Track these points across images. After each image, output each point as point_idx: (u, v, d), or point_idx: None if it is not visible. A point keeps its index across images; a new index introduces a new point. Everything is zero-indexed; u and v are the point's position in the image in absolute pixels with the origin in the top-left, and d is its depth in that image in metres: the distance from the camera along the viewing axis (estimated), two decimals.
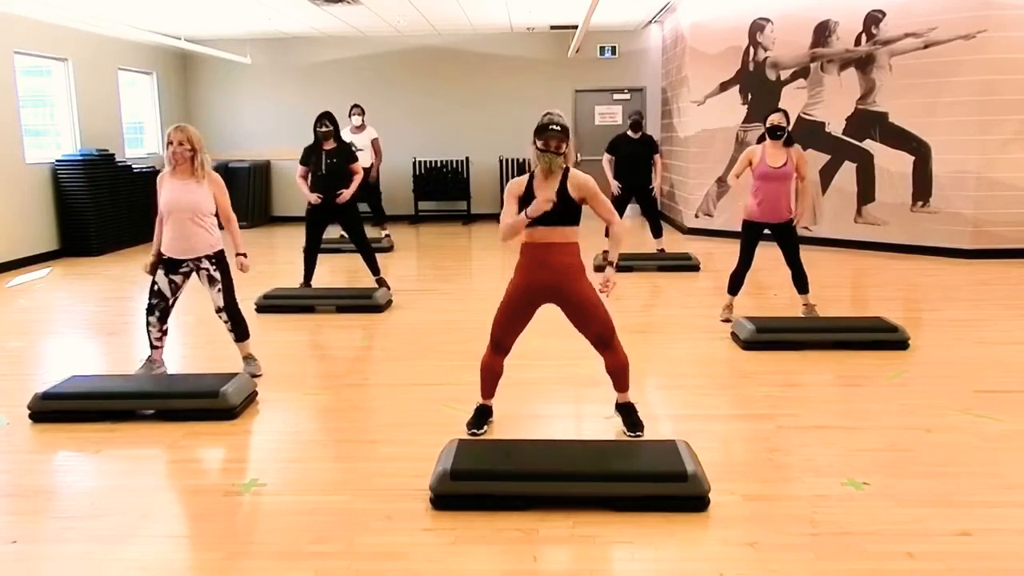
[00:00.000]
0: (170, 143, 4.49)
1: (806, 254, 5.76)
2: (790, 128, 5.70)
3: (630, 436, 3.74)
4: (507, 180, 12.79)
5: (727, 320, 5.81)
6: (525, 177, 3.67)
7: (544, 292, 3.65)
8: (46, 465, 3.75)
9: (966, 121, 8.35)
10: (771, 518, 3.03)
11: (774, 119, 5.64)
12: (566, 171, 3.58)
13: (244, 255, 4.75)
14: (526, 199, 3.58)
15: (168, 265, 4.61)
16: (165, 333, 4.75)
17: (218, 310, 4.71)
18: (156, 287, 4.64)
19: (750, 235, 5.79)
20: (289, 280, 7.36)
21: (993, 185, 8.34)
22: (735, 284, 5.90)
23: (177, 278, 4.64)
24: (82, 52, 10.35)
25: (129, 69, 11.60)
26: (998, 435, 3.80)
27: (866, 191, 9.15)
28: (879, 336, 5.25)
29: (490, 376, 3.84)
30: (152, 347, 4.75)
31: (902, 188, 8.87)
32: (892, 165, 8.90)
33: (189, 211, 4.50)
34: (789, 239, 5.71)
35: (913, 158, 8.75)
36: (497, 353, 3.79)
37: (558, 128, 3.52)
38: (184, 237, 4.55)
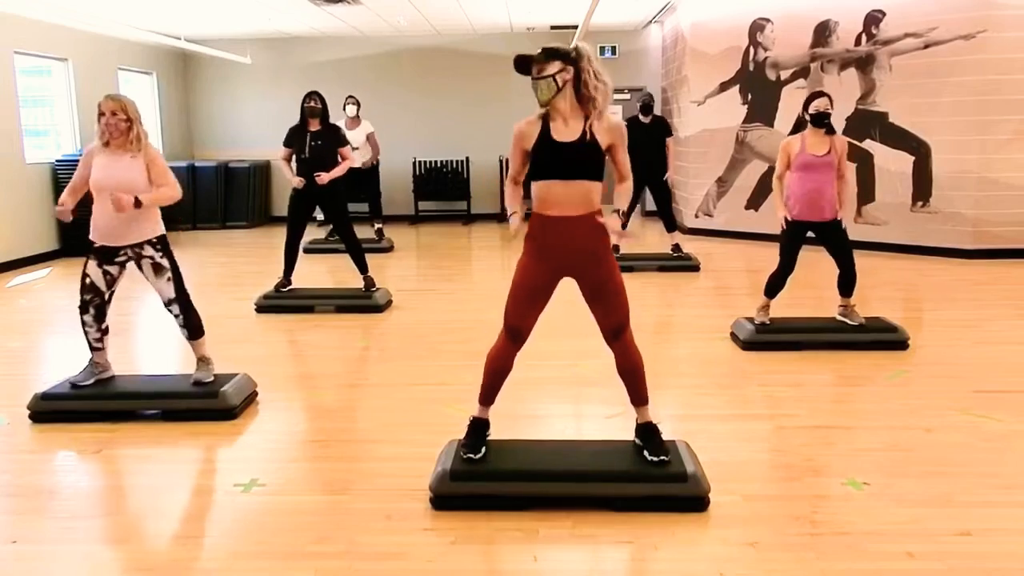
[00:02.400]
0: (101, 114, 3.97)
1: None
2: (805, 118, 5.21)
3: (653, 460, 3.21)
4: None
5: (763, 323, 5.36)
6: (537, 120, 3.08)
7: (562, 271, 3.15)
8: (46, 465, 3.75)
9: (966, 121, 8.35)
10: (771, 518, 3.03)
11: (819, 104, 5.01)
12: (587, 118, 3.04)
13: (137, 201, 3.95)
14: (540, 148, 3.03)
15: (102, 255, 4.10)
16: (105, 332, 4.30)
17: (168, 303, 4.20)
18: (88, 280, 4.13)
19: (791, 236, 5.23)
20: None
21: (993, 185, 8.34)
22: (773, 288, 5.36)
23: (112, 269, 4.13)
24: (82, 52, 10.35)
25: (129, 69, 11.60)
26: (998, 435, 3.80)
27: (866, 191, 9.15)
28: (879, 336, 5.25)
29: (497, 373, 3.23)
30: (92, 349, 4.32)
31: (902, 188, 8.87)
32: (892, 165, 8.90)
33: (125, 191, 3.95)
34: (837, 238, 5.22)
35: (913, 158, 8.75)
36: (512, 342, 3.17)
37: (541, 53, 3.02)
38: (121, 222, 4.01)
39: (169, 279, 4.18)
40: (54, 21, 9.61)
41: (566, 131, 3.03)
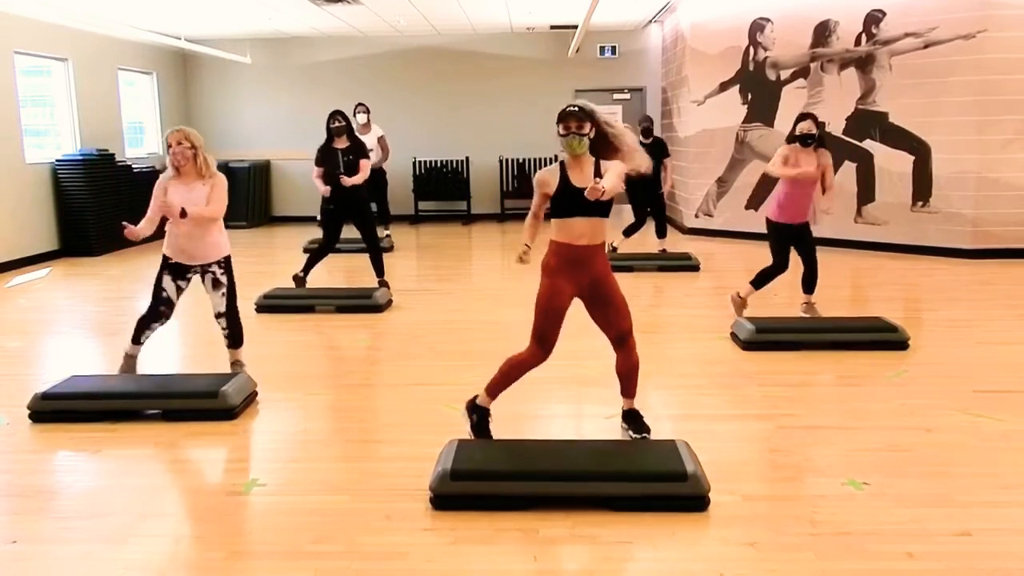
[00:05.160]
0: (169, 146, 4.38)
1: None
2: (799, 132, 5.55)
3: (636, 436, 3.63)
4: (507, 180, 12.82)
5: (738, 321, 5.56)
6: (556, 167, 3.50)
7: (577, 292, 3.55)
8: (46, 465, 3.75)
9: (966, 121, 8.35)
10: (771, 518, 3.03)
11: (804, 127, 5.46)
12: (597, 160, 3.46)
13: (183, 212, 4.27)
14: (563, 193, 3.43)
15: (176, 270, 4.51)
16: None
17: (218, 315, 4.58)
18: (165, 294, 4.52)
19: (780, 236, 5.65)
20: (289, 280, 7.35)
21: (993, 185, 8.34)
22: (763, 280, 5.75)
23: (184, 284, 4.56)
24: (82, 52, 10.35)
25: (129, 69, 11.60)
26: (998, 435, 3.80)
27: (866, 191, 9.15)
28: (879, 336, 5.25)
29: (517, 377, 3.60)
30: (136, 342, 4.62)
31: (902, 188, 8.87)
32: (892, 165, 8.90)
33: (199, 219, 4.39)
34: (807, 239, 5.65)
35: (913, 158, 8.75)
36: (544, 353, 3.53)
37: (576, 108, 3.42)
38: (195, 245, 4.45)
39: (223, 295, 4.56)
40: (54, 21, 9.61)
41: (582, 177, 3.43)
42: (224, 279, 4.55)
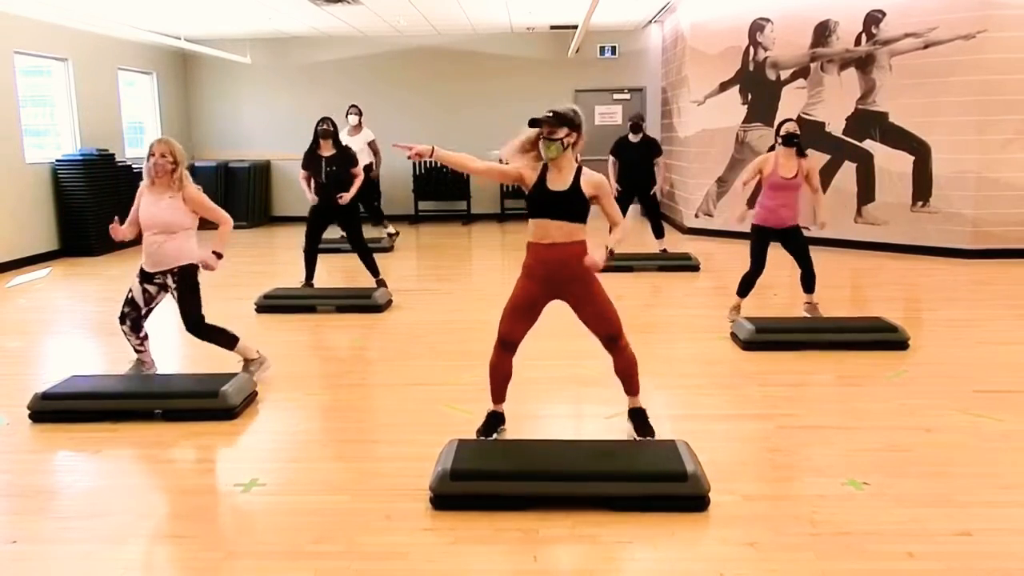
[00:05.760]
0: (151, 155, 4.37)
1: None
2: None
3: (638, 437, 3.66)
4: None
5: (734, 321, 5.68)
6: (540, 165, 3.54)
7: (551, 292, 3.55)
8: (46, 465, 3.75)
9: (966, 121, 8.35)
10: (771, 518, 3.04)
11: (789, 127, 5.60)
12: (580, 167, 3.48)
13: (218, 254, 4.49)
14: (537, 193, 3.47)
15: (143, 275, 4.52)
16: (145, 339, 4.67)
17: (186, 328, 4.55)
18: (130, 295, 4.55)
19: (760, 239, 5.75)
20: (289, 280, 7.37)
21: (993, 185, 8.34)
22: (746, 287, 5.85)
23: (151, 288, 4.53)
24: (82, 52, 10.35)
25: (129, 69, 11.60)
26: (998, 435, 3.80)
27: (866, 191, 9.15)
28: (879, 336, 5.25)
29: (498, 378, 3.67)
30: (135, 351, 4.68)
31: (902, 188, 8.87)
32: (892, 165, 8.90)
33: (160, 227, 4.38)
34: (796, 241, 5.68)
35: (913, 158, 8.75)
36: (505, 351, 3.62)
37: (550, 114, 3.43)
38: (154, 251, 4.45)
39: (181, 311, 4.52)
40: (54, 21, 9.61)
41: (559, 180, 3.47)
42: (178, 293, 4.49)
